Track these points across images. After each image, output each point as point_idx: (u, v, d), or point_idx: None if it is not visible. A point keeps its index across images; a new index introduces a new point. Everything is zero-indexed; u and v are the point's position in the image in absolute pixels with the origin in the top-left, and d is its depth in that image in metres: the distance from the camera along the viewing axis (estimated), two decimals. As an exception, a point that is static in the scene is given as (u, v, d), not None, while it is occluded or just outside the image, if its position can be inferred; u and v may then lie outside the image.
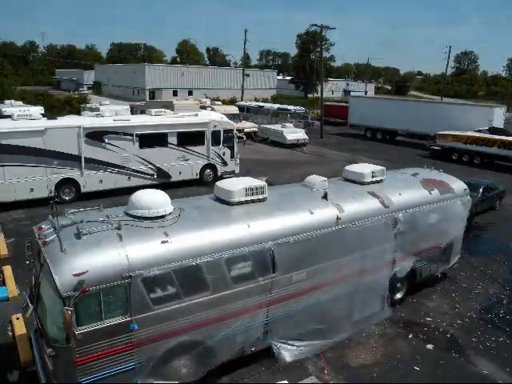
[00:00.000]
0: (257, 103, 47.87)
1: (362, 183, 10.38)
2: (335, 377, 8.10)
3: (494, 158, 28.45)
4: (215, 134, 20.97)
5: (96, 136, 17.64)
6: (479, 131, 29.57)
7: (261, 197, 8.62)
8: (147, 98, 64.24)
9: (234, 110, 35.86)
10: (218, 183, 8.81)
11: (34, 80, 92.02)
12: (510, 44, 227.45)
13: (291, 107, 41.73)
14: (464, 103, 46.00)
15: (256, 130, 36.46)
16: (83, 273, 6.12)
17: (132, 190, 8.68)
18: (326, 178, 9.95)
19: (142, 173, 19.05)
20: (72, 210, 7.51)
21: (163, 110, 21.24)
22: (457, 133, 30.32)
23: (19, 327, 8.94)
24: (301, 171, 21.75)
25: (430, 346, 9.23)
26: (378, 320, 9.76)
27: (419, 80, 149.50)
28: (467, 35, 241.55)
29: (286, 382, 5.64)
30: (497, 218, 17.75)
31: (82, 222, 7.01)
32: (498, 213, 18.54)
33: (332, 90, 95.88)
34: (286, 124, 35.52)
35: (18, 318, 9.25)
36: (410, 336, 9.48)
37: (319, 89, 46.63)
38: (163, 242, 6.93)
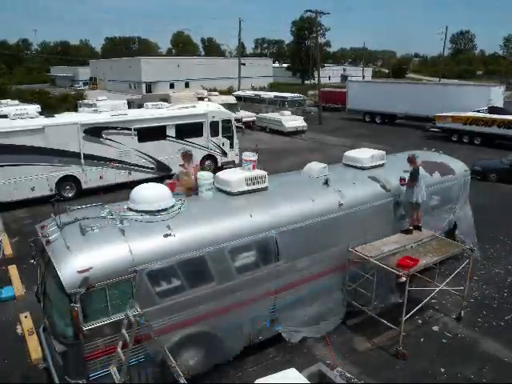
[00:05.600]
0: (254, 92, 47.61)
1: (363, 168, 10.36)
2: (342, 362, 8.17)
3: (495, 138, 28.31)
4: (213, 125, 20.90)
5: (94, 132, 17.61)
6: (478, 111, 29.43)
7: (262, 186, 8.62)
8: (144, 92, 63.97)
9: (231, 99, 35.69)
10: (218, 174, 8.79)
11: (29, 78, 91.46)
12: (506, 22, 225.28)
13: (288, 95, 41.51)
14: (462, 83, 45.69)
15: (254, 119, 36.31)
16: (88, 269, 6.15)
17: (133, 184, 8.68)
18: (326, 165, 9.92)
19: (142, 167, 19.04)
20: (74, 207, 7.52)
21: (160, 103, 21.16)
22: (456, 114, 30.17)
23: (28, 325, 9.02)
24: (301, 158, 21.71)
25: (435, 328, 9.29)
26: (386, 304, 9.79)
27: (417, 62, 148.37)
28: (463, 14, 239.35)
29: (293, 368, 5.69)
30: (499, 198, 17.72)
31: (84, 218, 7.02)
32: (500, 192, 18.52)
33: (329, 75, 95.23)
34: (284, 112, 35.34)
35: (26, 317, 9.33)
36: (416, 318, 9.52)
37: (316, 75, 46.31)
38: (166, 235, 6.94)
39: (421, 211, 10.01)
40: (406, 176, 9.75)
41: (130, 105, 29.13)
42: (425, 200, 9.86)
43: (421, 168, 9.72)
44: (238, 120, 26.97)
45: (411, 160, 9.80)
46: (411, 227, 9.93)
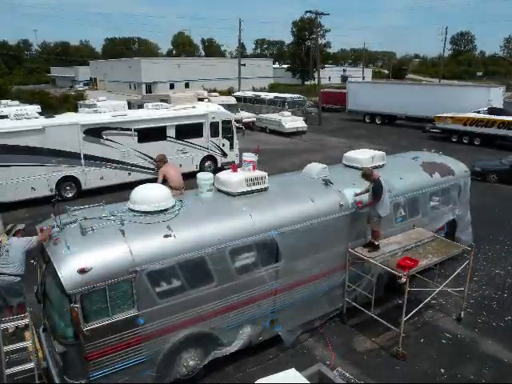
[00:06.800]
0: (254, 93, 47.62)
1: (363, 169, 10.35)
2: (342, 362, 8.17)
3: (495, 139, 28.30)
4: (214, 126, 20.93)
5: (94, 132, 17.62)
6: (478, 112, 29.44)
7: (262, 187, 8.62)
8: (144, 92, 64.03)
9: (231, 100, 35.70)
10: (219, 175, 8.79)
11: (29, 79, 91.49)
12: (506, 23, 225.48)
13: (288, 95, 41.52)
14: (462, 84, 45.68)
15: (254, 119, 36.33)
16: (88, 270, 6.15)
17: (133, 185, 8.68)
18: (326, 165, 9.92)
19: (142, 167, 19.05)
20: (74, 208, 7.53)
21: (160, 103, 21.18)
22: (456, 115, 30.19)
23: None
24: (301, 159, 21.72)
25: (435, 329, 9.28)
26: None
27: (417, 63, 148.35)
28: (463, 15, 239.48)
29: (293, 369, 5.69)
30: (499, 198, 17.73)
31: (84, 219, 7.03)
32: (499, 193, 18.52)
33: (329, 76, 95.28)
34: (284, 113, 35.36)
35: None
36: (416, 318, 9.52)
37: (316, 76, 46.32)
38: (166, 236, 6.94)
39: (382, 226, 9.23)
40: (363, 197, 8.92)
41: (130, 105, 29.21)
42: (388, 214, 9.09)
43: (381, 179, 8.75)
44: (237, 121, 26.95)
45: (368, 174, 8.84)
46: (377, 243, 9.10)
